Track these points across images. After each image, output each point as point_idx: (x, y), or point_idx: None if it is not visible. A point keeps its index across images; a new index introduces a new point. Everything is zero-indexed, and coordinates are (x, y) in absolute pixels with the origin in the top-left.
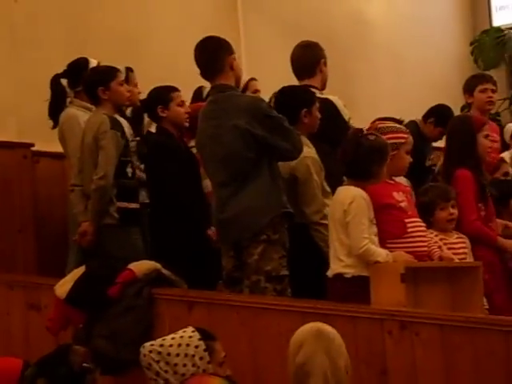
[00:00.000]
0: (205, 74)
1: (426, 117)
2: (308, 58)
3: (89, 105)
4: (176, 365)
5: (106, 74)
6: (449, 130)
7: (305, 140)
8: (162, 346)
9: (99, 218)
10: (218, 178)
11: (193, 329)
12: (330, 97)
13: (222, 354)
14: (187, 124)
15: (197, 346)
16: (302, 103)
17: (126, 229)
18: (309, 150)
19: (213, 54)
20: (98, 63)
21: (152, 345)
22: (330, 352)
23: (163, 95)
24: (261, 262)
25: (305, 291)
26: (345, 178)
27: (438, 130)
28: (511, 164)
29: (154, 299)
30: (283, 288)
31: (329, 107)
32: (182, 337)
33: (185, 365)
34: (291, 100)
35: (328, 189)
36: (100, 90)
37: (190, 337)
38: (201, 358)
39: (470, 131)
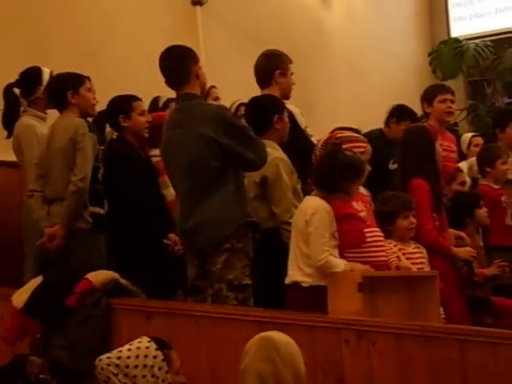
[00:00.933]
0: (170, 83)
1: (387, 120)
2: (264, 68)
3: (43, 114)
4: (135, 376)
5: (76, 78)
6: (405, 139)
7: (275, 145)
8: (119, 358)
9: (72, 221)
10: (182, 186)
11: (148, 339)
12: (287, 105)
13: (179, 362)
14: (147, 134)
15: (155, 357)
16: (274, 109)
17: (96, 235)
18: (279, 152)
19: (178, 63)
20: (51, 72)
21: (109, 357)
22: (274, 360)
23: (124, 104)
24: (223, 270)
25: (267, 301)
26: (313, 187)
27: (403, 125)
28: (468, 174)
29: (111, 309)
30: (245, 297)
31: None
32: (138, 348)
33: (144, 376)
34: (263, 107)
35: (301, 193)
36: (69, 94)
37: (147, 347)
38: (159, 368)
39: (429, 141)
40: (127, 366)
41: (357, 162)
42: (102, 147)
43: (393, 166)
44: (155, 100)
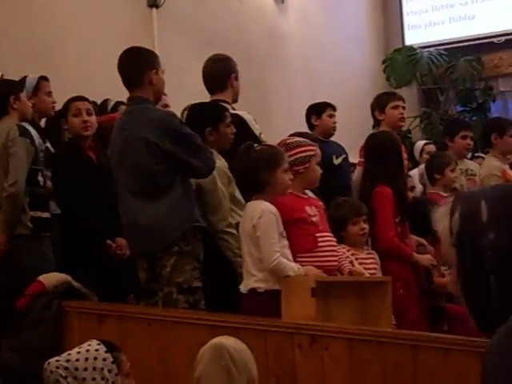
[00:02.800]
0: (124, 84)
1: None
2: (219, 72)
3: None
4: (84, 379)
5: (18, 84)
6: (372, 146)
7: (215, 153)
8: (68, 361)
9: (11, 227)
10: (130, 186)
11: (97, 342)
12: (240, 112)
13: (128, 364)
14: (86, 133)
15: (104, 359)
16: (207, 122)
17: (38, 239)
18: (216, 161)
19: (133, 67)
20: (2, 75)
21: (58, 360)
22: (228, 367)
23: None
24: (173, 273)
25: (218, 303)
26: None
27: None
28: (420, 181)
29: (63, 312)
30: (196, 300)
31: (238, 123)
32: (88, 350)
33: (94, 378)
34: (197, 118)
35: (242, 200)
36: (12, 99)
37: (97, 350)
38: (109, 371)
39: (398, 148)
40: (76, 369)
41: (265, 152)
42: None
43: (337, 161)
44: (104, 102)
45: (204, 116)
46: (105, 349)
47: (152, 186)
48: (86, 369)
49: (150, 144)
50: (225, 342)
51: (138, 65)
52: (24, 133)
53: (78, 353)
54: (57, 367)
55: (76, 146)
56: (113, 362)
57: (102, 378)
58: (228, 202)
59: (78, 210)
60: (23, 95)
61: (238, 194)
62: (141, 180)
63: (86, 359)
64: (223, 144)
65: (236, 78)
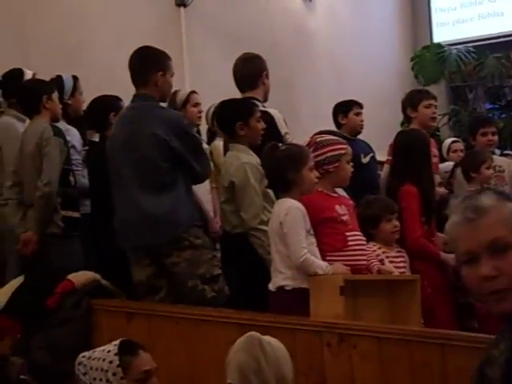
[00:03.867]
0: (132, 82)
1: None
2: (250, 71)
3: (22, 116)
4: (94, 379)
5: (51, 84)
6: (399, 144)
7: (245, 149)
8: (89, 358)
9: (44, 226)
10: (133, 181)
11: (117, 342)
12: (270, 110)
13: (142, 369)
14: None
15: (111, 362)
16: (237, 116)
17: (69, 238)
18: (249, 157)
19: (140, 66)
20: (34, 74)
21: (83, 356)
22: (258, 358)
23: (114, 103)
24: (191, 267)
25: (250, 302)
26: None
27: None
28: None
29: (92, 310)
30: (220, 287)
31: (266, 119)
32: (103, 350)
33: (101, 379)
34: (226, 113)
35: (274, 197)
36: (45, 99)
37: (109, 351)
38: (114, 374)
39: (426, 146)
40: (91, 368)
41: (291, 151)
42: (87, 147)
43: (365, 160)
44: (173, 94)
45: (235, 110)
46: (116, 351)
47: (157, 181)
48: (96, 369)
49: (159, 140)
50: (259, 335)
51: (145, 65)
52: (58, 132)
53: (101, 351)
54: (79, 363)
55: None
56: (118, 366)
57: (107, 381)
58: (261, 199)
59: None
60: (55, 95)
61: (270, 190)
62: (145, 175)
63: (99, 359)
64: (253, 139)
65: (267, 77)
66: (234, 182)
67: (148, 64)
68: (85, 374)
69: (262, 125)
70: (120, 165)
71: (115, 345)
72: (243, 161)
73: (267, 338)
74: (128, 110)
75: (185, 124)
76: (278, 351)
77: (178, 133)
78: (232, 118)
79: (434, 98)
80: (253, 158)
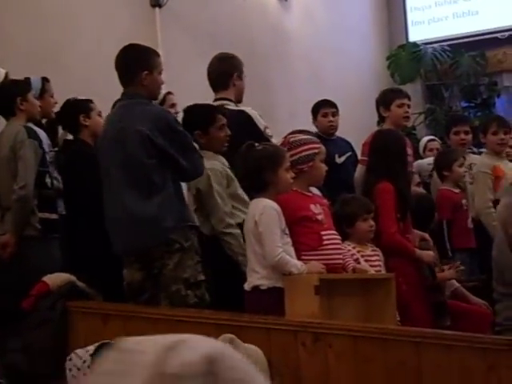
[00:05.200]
0: (119, 80)
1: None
2: (221, 71)
3: None
4: (73, 376)
5: (24, 85)
6: (374, 144)
7: (211, 155)
8: (75, 355)
9: (21, 229)
10: (121, 179)
11: (99, 344)
12: (244, 108)
13: None
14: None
15: (84, 361)
16: (195, 125)
17: (47, 240)
18: (213, 163)
19: (126, 65)
20: (6, 73)
21: (75, 352)
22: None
23: (84, 105)
24: (177, 270)
25: (225, 303)
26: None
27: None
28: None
29: (68, 312)
30: (202, 293)
31: (243, 118)
32: (87, 350)
33: (75, 377)
34: (187, 120)
35: (246, 198)
36: (19, 101)
37: (87, 351)
38: (84, 374)
39: (401, 145)
40: (74, 365)
41: (267, 152)
42: (56, 149)
43: (340, 160)
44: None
45: (193, 119)
46: (92, 352)
47: (144, 180)
48: (75, 365)
49: (143, 137)
50: (233, 344)
51: (131, 63)
52: (32, 135)
53: (84, 350)
54: (70, 359)
55: (89, 145)
56: (89, 367)
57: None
58: (226, 203)
59: (98, 210)
60: (30, 95)
61: (241, 191)
62: (133, 173)
63: (80, 358)
64: (215, 147)
65: (239, 77)
66: (199, 188)
67: (133, 63)
68: (70, 370)
69: (225, 132)
70: (108, 165)
71: (95, 345)
72: (206, 167)
73: (241, 344)
74: (116, 109)
75: (170, 119)
76: (254, 357)
77: (162, 128)
78: (191, 126)
79: (407, 97)
80: (218, 163)
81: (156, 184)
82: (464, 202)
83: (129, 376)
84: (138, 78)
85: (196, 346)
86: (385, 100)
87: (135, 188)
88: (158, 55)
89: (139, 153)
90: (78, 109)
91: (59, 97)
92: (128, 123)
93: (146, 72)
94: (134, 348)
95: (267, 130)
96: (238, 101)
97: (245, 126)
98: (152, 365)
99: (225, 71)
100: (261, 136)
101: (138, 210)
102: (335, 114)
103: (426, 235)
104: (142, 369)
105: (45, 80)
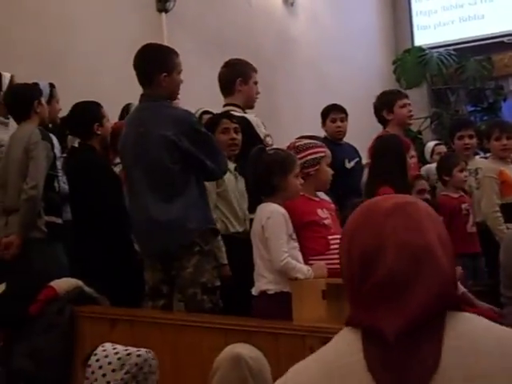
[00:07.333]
0: (138, 80)
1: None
2: (226, 77)
3: (4, 119)
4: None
5: (39, 89)
6: (378, 148)
7: None
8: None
9: (27, 230)
10: (143, 183)
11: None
12: (246, 115)
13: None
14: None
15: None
16: None
17: (52, 244)
18: None
19: (143, 67)
20: (12, 76)
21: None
22: (245, 376)
23: (96, 112)
24: (195, 274)
25: (233, 307)
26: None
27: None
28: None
29: (75, 317)
30: (217, 299)
31: (244, 125)
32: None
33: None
34: None
35: (236, 205)
36: (36, 104)
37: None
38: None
39: (400, 151)
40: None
41: (279, 157)
42: (64, 155)
43: (349, 165)
44: (127, 107)
45: None
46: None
47: (168, 184)
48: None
49: (168, 142)
50: (242, 352)
51: (148, 66)
52: (46, 137)
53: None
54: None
55: (98, 152)
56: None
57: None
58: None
59: (105, 215)
60: (43, 100)
61: (229, 194)
62: (156, 177)
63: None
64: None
65: (244, 83)
66: None
67: (150, 65)
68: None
69: (229, 135)
70: (131, 167)
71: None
72: None
73: (246, 350)
74: (137, 112)
75: (194, 121)
76: (260, 361)
77: (187, 131)
78: None
79: (406, 96)
80: None
81: (179, 187)
82: (464, 206)
83: None
84: (156, 79)
85: None
86: (386, 103)
87: (158, 191)
88: (176, 54)
89: (164, 158)
90: (90, 116)
91: (65, 102)
92: (151, 127)
93: (164, 74)
94: None
95: (267, 139)
96: (248, 107)
97: (245, 133)
98: None
99: (229, 77)
100: (259, 143)
101: (158, 216)
102: (343, 119)
103: None
104: None
105: (52, 86)
